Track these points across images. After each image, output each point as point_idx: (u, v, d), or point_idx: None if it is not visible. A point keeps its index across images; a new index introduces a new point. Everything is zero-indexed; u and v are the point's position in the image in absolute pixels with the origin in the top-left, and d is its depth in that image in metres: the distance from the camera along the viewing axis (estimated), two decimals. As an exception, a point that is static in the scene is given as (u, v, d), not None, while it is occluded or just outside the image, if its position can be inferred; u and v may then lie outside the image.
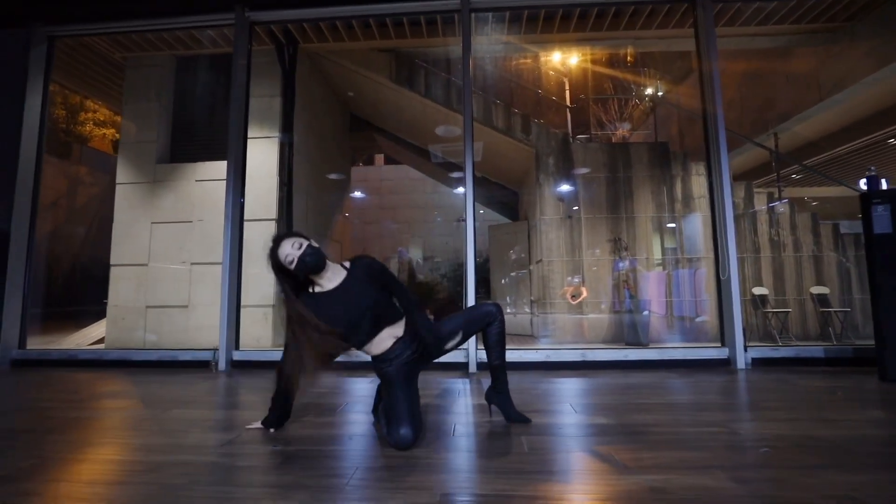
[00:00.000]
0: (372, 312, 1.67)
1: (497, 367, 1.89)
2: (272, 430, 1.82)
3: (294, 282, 1.69)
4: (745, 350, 3.13)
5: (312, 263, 1.64)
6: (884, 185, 2.76)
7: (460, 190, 10.07)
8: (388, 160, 11.40)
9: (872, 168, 2.78)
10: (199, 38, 4.82)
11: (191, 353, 3.60)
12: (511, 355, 3.41)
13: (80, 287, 7.38)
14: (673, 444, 1.64)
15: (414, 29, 4.83)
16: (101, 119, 9.44)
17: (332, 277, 1.71)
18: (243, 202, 3.91)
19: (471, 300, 3.36)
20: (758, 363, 3.13)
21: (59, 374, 3.39)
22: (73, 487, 1.32)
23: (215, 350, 3.51)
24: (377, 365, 1.76)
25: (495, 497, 1.21)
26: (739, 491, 1.23)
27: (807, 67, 5.79)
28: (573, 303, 5.92)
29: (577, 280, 6.00)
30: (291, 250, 1.64)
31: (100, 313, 5.37)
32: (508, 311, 7.06)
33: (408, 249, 10.36)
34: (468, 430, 1.85)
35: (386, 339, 1.72)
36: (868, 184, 2.75)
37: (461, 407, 2.31)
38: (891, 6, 4.56)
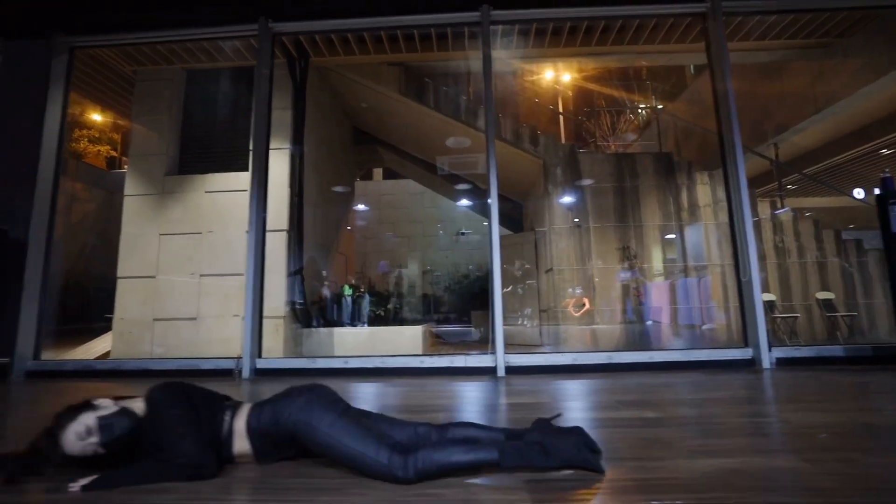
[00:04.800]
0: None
1: None
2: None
3: None
4: (770, 350, 3.17)
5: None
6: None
7: (463, 202, 10.20)
8: (388, 174, 11.49)
9: (887, 170, 2.89)
10: (210, 50, 4.85)
11: (213, 362, 3.54)
12: (538, 359, 3.43)
13: (77, 304, 7.21)
14: (735, 433, 1.66)
15: (424, 43, 4.93)
16: (96, 136, 9.44)
17: None
18: (265, 215, 3.87)
19: (497, 309, 3.38)
20: (782, 363, 3.17)
21: (75, 384, 3.30)
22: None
23: (238, 358, 3.46)
24: None
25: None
26: (812, 469, 1.26)
27: (803, 81, 6.02)
28: (577, 315, 5.92)
29: (579, 291, 6.01)
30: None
31: (102, 329, 5.26)
32: (516, 323, 7.04)
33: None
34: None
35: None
36: (883, 185, 2.86)
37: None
38: (879, 23, 4.80)
